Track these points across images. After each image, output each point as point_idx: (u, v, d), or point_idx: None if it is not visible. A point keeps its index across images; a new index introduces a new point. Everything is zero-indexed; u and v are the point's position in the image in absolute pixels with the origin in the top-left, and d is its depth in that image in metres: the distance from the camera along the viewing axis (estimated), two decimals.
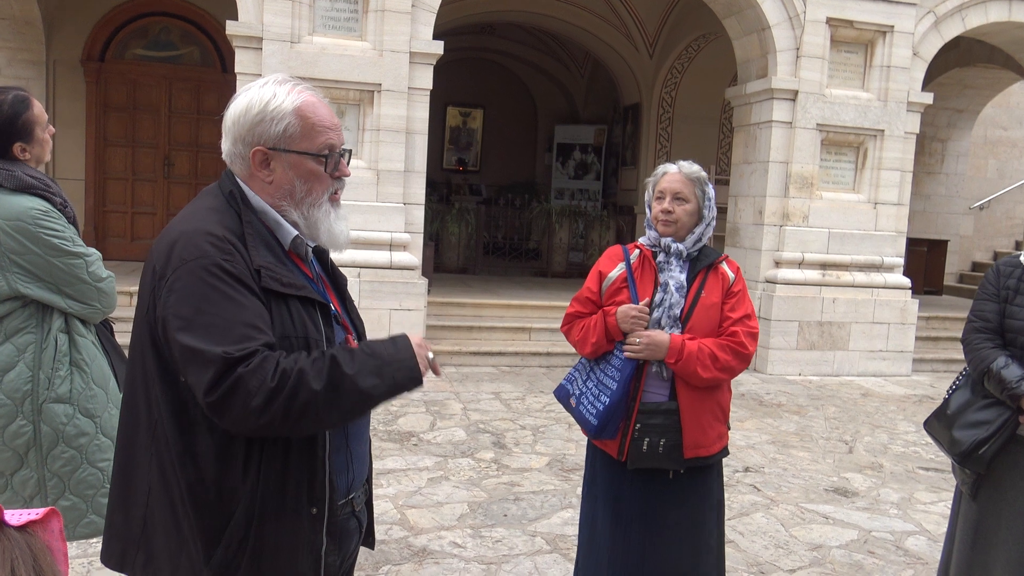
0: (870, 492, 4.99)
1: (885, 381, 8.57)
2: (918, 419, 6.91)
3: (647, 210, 2.77)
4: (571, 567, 3.57)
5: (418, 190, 7.74)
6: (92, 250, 2.57)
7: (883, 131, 8.63)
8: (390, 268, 7.55)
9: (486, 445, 5.46)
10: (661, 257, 2.70)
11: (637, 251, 2.76)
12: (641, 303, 2.64)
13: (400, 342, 1.62)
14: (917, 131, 8.87)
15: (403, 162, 7.56)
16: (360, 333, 1.84)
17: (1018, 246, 13.69)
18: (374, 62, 7.41)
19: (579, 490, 3.03)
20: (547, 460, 5.22)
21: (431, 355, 1.65)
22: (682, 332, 2.63)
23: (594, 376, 2.73)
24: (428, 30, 7.63)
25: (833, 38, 8.48)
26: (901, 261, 9.02)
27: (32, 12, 9.70)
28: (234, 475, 1.54)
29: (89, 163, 10.37)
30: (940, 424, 2.86)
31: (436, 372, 1.66)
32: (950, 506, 4.75)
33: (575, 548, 3.51)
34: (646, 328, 2.62)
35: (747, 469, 5.27)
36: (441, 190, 15.24)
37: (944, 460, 5.69)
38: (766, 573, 3.77)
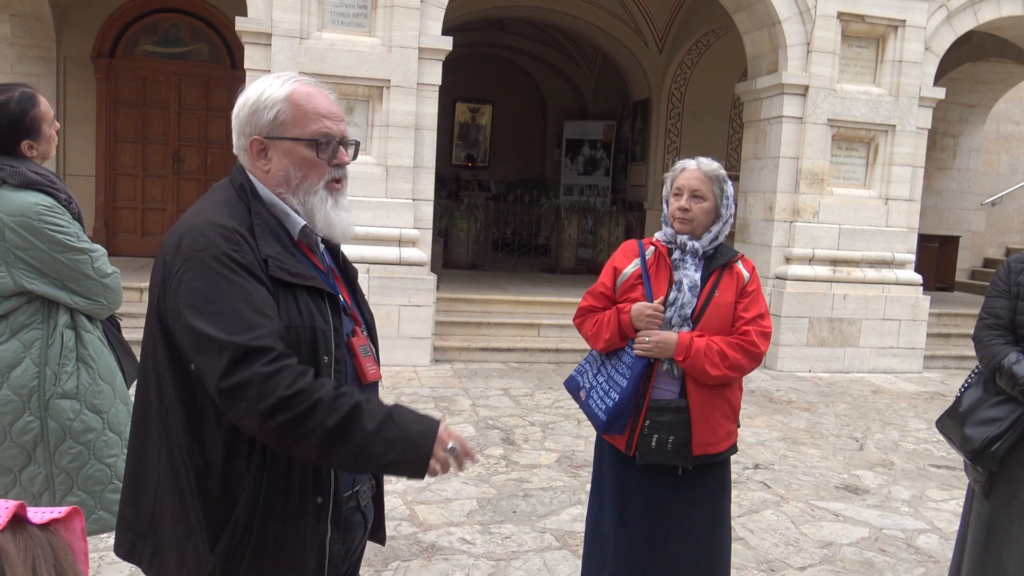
0: (881, 489, 4.97)
1: (896, 378, 8.53)
2: (929, 416, 6.87)
3: (664, 205, 2.75)
4: (580, 563, 3.56)
5: (427, 186, 7.73)
6: (97, 246, 2.57)
7: (894, 126, 8.57)
8: (399, 264, 7.55)
9: (495, 441, 5.46)
10: (676, 254, 2.69)
11: (652, 247, 2.74)
12: (656, 301, 2.62)
13: (428, 428, 1.58)
14: (929, 126, 8.80)
15: (412, 158, 7.55)
16: (370, 325, 1.84)
17: None
18: (383, 58, 7.40)
19: (588, 487, 3.02)
20: (556, 456, 5.21)
21: (453, 446, 1.59)
22: (692, 330, 2.62)
23: (604, 371, 2.73)
24: (437, 26, 7.61)
25: (844, 33, 8.42)
26: (912, 257, 8.97)
27: (43, 8, 9.74)
28: (240, 464, 1.55)
29: (99, 159, 10.40)
30: (952, 422, 2.84)
31: (459, 467, 1.60)
32: (960, 504, 4.73)
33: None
34: (660, 326, 2.61)
35: (757, 466, 5.25)
36: (450, 186, 15.22)
37: (955, 458, 5.66)
38: (776, 571, 3.76)
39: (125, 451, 2.61)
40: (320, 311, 1.61)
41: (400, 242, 7.61)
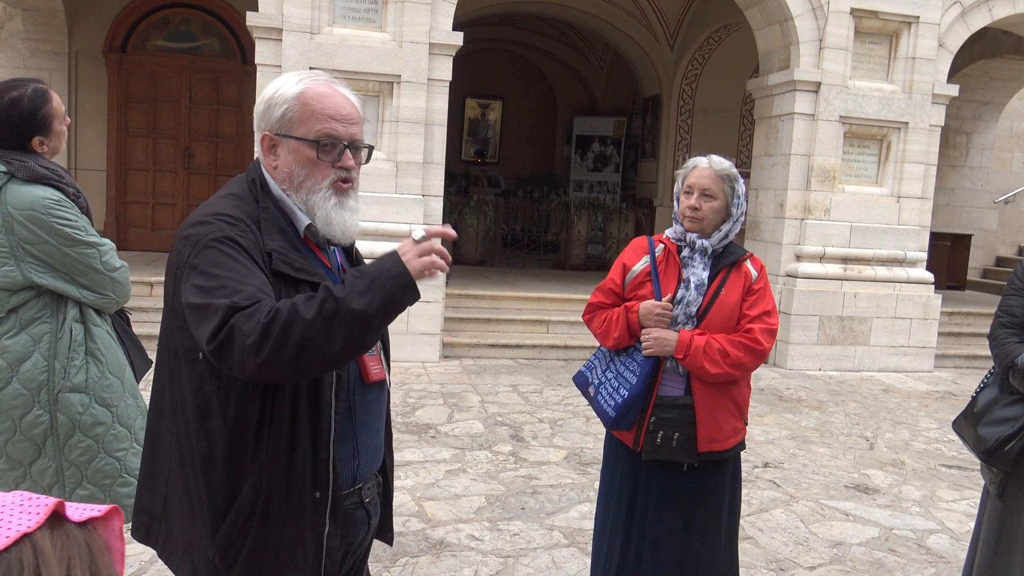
0: (891, 489, 4.94)
1: (907, 377, 8.48)
2: (940, 416, 6.83)
3: (675, 203, 2.75)
4: (589, 561, 3.55)
5: (437, 182, 7.72)
6: (105, 240, 2.57)
7: (907, 123, 8.51)
8: None
9: (504, 438, 5.45)
10: (685, 252, 2.69)
11: (662, 245, 2.75)
12: (664, 299, 2.63)
13: (388, 255, 1.56)
14: (942, 124, 8.74)
15: (422, 154, 7.54)
16: None
17: None
18: (394, 53, 7.39)
19: (597, 484, 3.01)
20: (565, 454, 5.20)
21: (420, 235, 1.55)
22: (696, 328, 2.63)
23: (613, 368, 2.74)
24: (448, 21, 7.60)
25: (857, 29, 8.37)
26: (924, 256, 8.91)
27: (54, 3, 9.77)
28: (243, 454, 1.58)
29: (110, 154, 10.43)
30: (967, 422, 2.81)
31: (443, 268, 1.55)
32: (972, 504, 4.70)
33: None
34: (668, 325, 2.62)
35: (766, 465, 5.23)
36: (459, 182, 15.20)
37: (967, 458, 5.62)
38: (785, 570, 3.74)
39: (135, 444, 2.62)
40: None
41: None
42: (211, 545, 1.58)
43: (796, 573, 3.72)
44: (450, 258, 1.58)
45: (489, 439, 5.40)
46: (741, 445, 2.75)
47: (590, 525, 3.91)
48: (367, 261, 1.92)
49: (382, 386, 1.79)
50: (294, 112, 1.65)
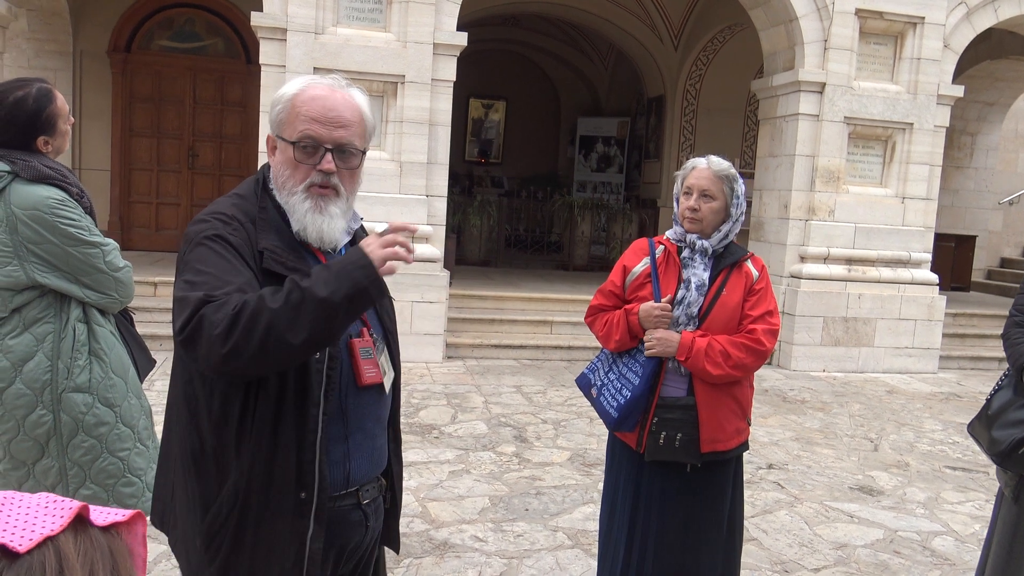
0: (896, 491, 4.92)
1: (911, 378, 8.46)
2: (944, 417, 6.82)
3: (675, 204, 2.75)
4: (593, 563, 3.54)
5: (441, 182, 7.72)
6: (108, 240, 2.57)
7: (912, 124, 8.49)
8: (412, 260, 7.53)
9: (507, 439, 5.44)
10: (686, 253, 2.70)
11: (662, 246, 2.75)
12: (663, 300, 2.63)
13: (353, 248, 1.58)
14: (947, 124, 8.72)
15: (426, 154, 7.54)
16: (386, 328, 1.83)
17: None
18: (398, 53, 7.39)
19: (600, 485, 3.01)
20: (569, 455, 5.19)
21: (383, 230, 1.57)
22: (697, 329, 2.63)
23: (616, 369, 2.74)
24: (452, 21, 7.59)
25: (862, 29, 8.35)
26: (929, 257, 8.89)
27: (59, 3, 9.78)
28: (227, 448, 1.61)
29: (115, 154, 10.44)
30: (981, 425, 2.78)
31: (405, 258, 1.56)
32: (977, 507, 4.69)
33: (597, 543, 3.49)
34: (668, 325, 2.63)
35: (771, 466, 5.22)
36: (463, 182, 15.20)
37: (972, 460, 5.61)
38: (790, 572, 3.73)
39: (138, 444, 2.62)
40: None
41: (413, 238, 7.60)
42: (198, 536, 1.63)
43: (800, 575, 3.71)
44: (414, 249, 1.61)
45: (493, 440, 5.40)
46: (744, 445, 2.75)
47: (594, 526, 3.90)
48: None
49: (380, 390, 1.77)
50: (284, 113, 1.68)
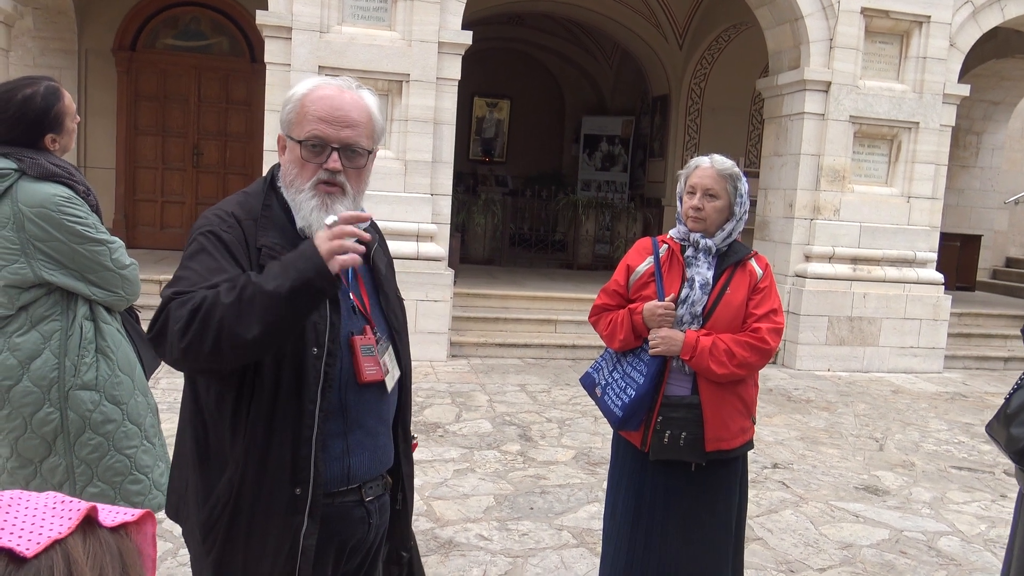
0: (901, 491, 4.92)
1: (916, 378, 8.44)
2: (950, 417, 6.80)
3: (678, 203, 2.75)
4: (598, 561, 3.54)
5: (445, 181, 7.72)
6: (115, 238, 2.57)
7: (918, 124, 8.48)
8: (417, 259, 7.55)
9: (512, 437, 5.44)
10: (689, 252, 2.70)
11: (666, 245, 2.75)
12: (667, 299, 2.63)
13: (305, 242, 1.57)
14: (952, 124, 8.70)
15: (431, 152, 7.54)
16: (392, 327, 1.82)
17: None
18: (403, 52, 7.39)
19: (605, 484, 3.01)
20: (573, 453, 5.19)
21: (332, 219, 1.56)
22: (701, 328, 2.63)
23: (620, 368, 2.74)
24: (457, 20, 7.59)
25: (868, 28, 8.33)
26: (934, 256, 8.87)
27: (65, 1, 9.80)
28: (223, 442, 1.64)
29: (120, 152, 10.46)
30: (1000, 424, 2.76)
31: (356, 248, 1.53)
32: (983, 507, 4.68)
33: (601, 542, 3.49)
34: (672, 324, 2.63)
35: (776, 466, 5.21)
36: (467, 181, 15.19)
37: (978, 460, 5.60)
38: (795, 571, 3.72)
39: (144, 442, 2.62)
40: None
41: (418, 237, 7.60)
42: (197, 527, 1.67)
43: (806, 574, 3.70)
44: (369, 238, 1.59)
45: (497, 438, 5.40)
46: (749, 444, 2.75)
47: (599, 525, 3.90)
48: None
49: (381, 387, 1.76)
50: (293, 113, 1.70)
